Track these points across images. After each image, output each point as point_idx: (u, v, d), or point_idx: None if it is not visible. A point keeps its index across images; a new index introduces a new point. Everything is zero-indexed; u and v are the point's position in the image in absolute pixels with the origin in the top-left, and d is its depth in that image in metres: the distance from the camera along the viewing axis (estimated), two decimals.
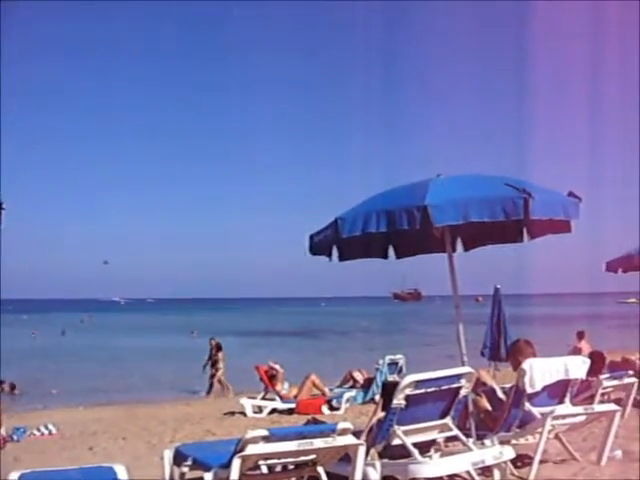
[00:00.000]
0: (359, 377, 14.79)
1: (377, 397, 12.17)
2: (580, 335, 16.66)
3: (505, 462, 5.71)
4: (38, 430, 11.67)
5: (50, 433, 11.68)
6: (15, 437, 11.01)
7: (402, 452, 5.45)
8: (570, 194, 6.19)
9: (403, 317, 71.86)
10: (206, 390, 19.84)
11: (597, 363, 9.63)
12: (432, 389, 5.48)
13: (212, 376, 19.74)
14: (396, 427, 5.41)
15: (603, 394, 9.29)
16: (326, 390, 13.93)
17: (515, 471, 6.04)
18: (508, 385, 6.67)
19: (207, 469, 5.07)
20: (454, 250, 7.00)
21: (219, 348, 20.05)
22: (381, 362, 14.72)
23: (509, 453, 5.66)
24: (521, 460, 6.22)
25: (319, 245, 6.59)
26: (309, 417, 8.40)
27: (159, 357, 31.32)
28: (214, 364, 19.82)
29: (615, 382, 9.39)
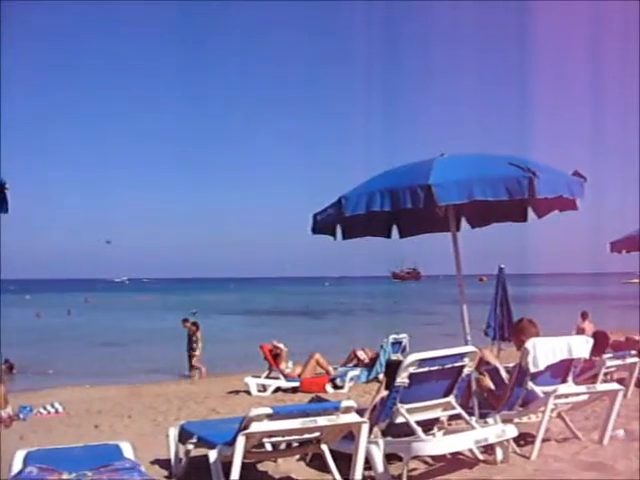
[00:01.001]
0: (363, 356, 14.84)
1: (381, 376, 12.22)
2: (584, 315, 16.73)
3: (507, 440, 5.75)
4: (44, 409, 11.71)
5: (56, 412, 11.71)
6: (21, 416, 11.04)
7: (405, 430, 5.48)
8: (575, 173, 6.17)
9: (406, 296, 71.94)
10: (189, 372, 18.86)
11: (600, 343, 9.66)
12: (435, 368, 5.51)
13: (192, 357, 18.86)
14: (399, 405, 5.45)
15: (606, 374, 9.33)
16: (330, 369, 13.98)
17: (517, 449, 6.08)
18: (511, 364, 6.70)
19: (212, 446, 5.12)
20: (458, 229, 7.01)
21: (197, 327, 19.12)
22: (385, 341, 14.77)
23: (512, 431, 5.69)
24: (524, 438, 6.27)
25: (322, 224, 6.59)
26: (313, 395, 8.43)
27: (161, 337, 31.48)
28: (193, 344, 18.86)
29: (618, 362, 9.44)
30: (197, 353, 18.77)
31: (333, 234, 6.73)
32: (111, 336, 31.08)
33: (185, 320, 19.68)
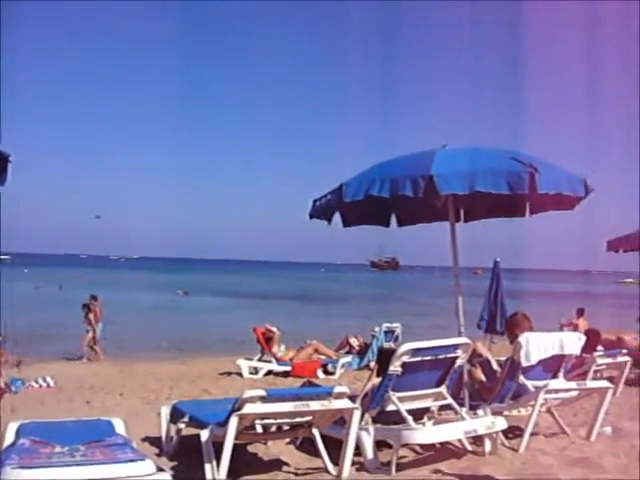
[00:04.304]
0: (355, 343, 14.92)
1: (372, 363, 12.28)
2: (580, 312, 16.80)
3: (497, 432, 5.79)
4: (36, 382, 11.75)
5: (48, 386, 11.75)
6: (13, 388, 11.09)
7: (396, 418, 5.53)
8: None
9: (400, 286, 72.03)
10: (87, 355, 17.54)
11: (592, 340, 9.70)
12: (429, 358, 5.55)
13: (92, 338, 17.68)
14: (391, 393, 5.49)
15: (596, 371, 9.38)
16: (331, 352, 14.10)
17: (506, 442, 6.13)
18: (503, 357, 6.74)
19: (204, 426, 5.16)
20: (457, 221, 7.02)
21: (89, 308, 17.91)
22: (377, 329, 14.83)
23: (501, 424, 5.73)
24: (512, 431, 6.31)
25: (321, 210, 6.60)
26: (305, 380, 8.48)
27: (150, 315, 31.59)
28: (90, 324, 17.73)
29: (609, 360, 9.48)
30: (90, 335, 17.62)
31: (330, 220, 6.73)
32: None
33: (92, 298, 18.38)
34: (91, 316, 17.79)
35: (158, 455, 5.85)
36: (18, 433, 4.69)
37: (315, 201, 6.63)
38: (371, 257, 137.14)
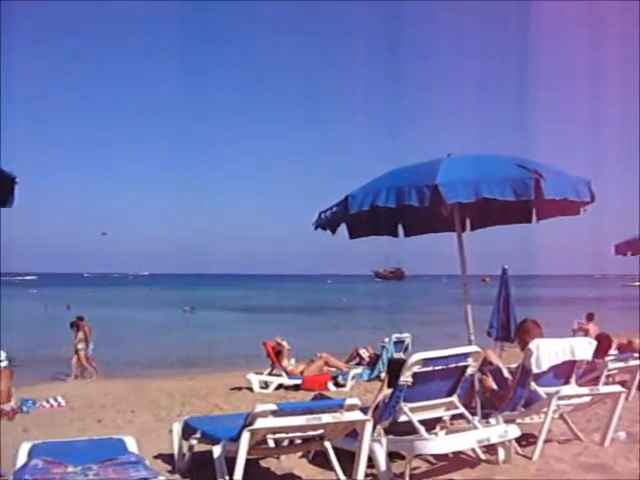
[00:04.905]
0: (365, 354, 14.88)
1: (383, 374, 12.24)
2: (590, 317, 16.75)
3: (510, 441, 5.76)
4: (47, 402, 11.77)
5: (59, 405, 11.76)
6: (24, 408, 11.10)
7: (408, 429, 5.50)
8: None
9: (409, 295, 71.93)
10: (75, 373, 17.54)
11: (603, 345, 9.69)
12: (439, 367, 5.53)
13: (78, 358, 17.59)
14: (403, 404, 5.47)
15: (608, 376, 9.35)
16: (341, 364, 14.07)
17: (519, 450, 6.10)
18: (514, 365, 6.71)
19: (216, 442, 5.15)
20: (463, 229, 7.02)
21: (78, 327, 17.90)
22: (387, 340, 14.79)
23: (514, 432, 5.71)
24: (526, 439, 6.29)
25: (327, 222, 6.59)
26: (316, 393, 8.46)
27: (158, 331, 31.60)
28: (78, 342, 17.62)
29: (620, 364, 9.45)
30: (82, 353, 17.54)
31: (334, 230, 6.73)
32: (110, 331, 31.03)
33: (79, 318, 18.38)
34: (81, 334, 17.74)
35: (171, 472, 5.85)
36: (31, 453, 4.68)
37: (321, 213, 6.63)
38: (375, 267, 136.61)
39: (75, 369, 17.57)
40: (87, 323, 18.34)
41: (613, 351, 12.14)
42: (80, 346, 17.64)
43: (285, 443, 5.75)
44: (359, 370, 13.98)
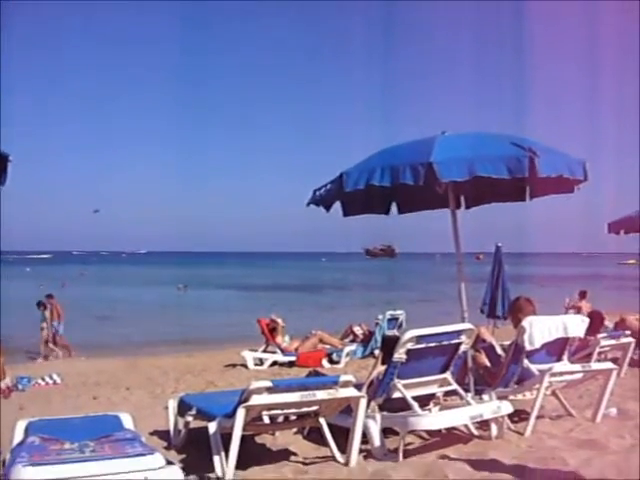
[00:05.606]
0: (359, 332, 14.94)
1: (376, 351, 12.30)
2: (582, 294, 16.85)
3: (502, 417, 5.81)
4: (42, 380, 11.81)
5: (54, 383, 11.81)
6: (20, 386, 11.14)
7: (402, 405, 5.55)
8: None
9: (402, 273, 72.05)
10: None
11: (596, 322, 9.74)
12: (433, 344, 5.57)
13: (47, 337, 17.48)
14: (396, 381, 5.51)
15: (600, 353, 9.41)
16: (335, 341, 14.14)
17: (512, 426, 6.15)
18: (507, 342, 6.76)
19: (211, 419, 5.18)
20: (458, 207, 7.03)
21: (44, 306, 17.64)
22: (381, 317, 14.85)
23: (507, 408, 5.76)
24: (518, 415, 6.34)
25: (322, 199, 6.59)
26: (310, 370, 8.51)
27: (153, 309, 31.65)
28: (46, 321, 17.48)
29: (612, 341, 9.52)
30: (44, 332, 17.41)
31: (328, 208, 6.72)
32: (103, 309, 31.07)
33: (48, 297, 18.16)
34: (47, 314, 17.56)
35: (167, 448, 5.88)
36: (27, 431, 4.71)
37: (315, 191, 6.62)
38: (366, 245, 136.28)
39: (43, 349, 17.40)
40: (57, 302, 18.12)
41: (609, 326, 12.24)
42: (44, 325, 17.45)
43: (280, 419, 5.79)
44: (353, 347, 14.05)
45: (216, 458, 4.95)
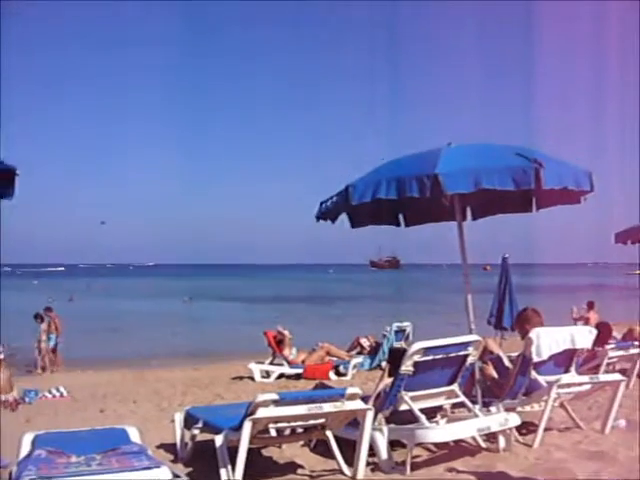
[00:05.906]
0: (366, 344, 14.91)
1: (384, 363, 12.27)
2: (590, 305, 16.78)
3: (510, 429, 5.78)
4: (49, 392, 11.82)
5: (61, 395, 11.81)
6: (27, 399, 11.15)
7: (409, 417, 5.53)
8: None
9: (408, 285, 71.96)
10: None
11: (604, 334, 9.69)
12: (440, 356, 5.55)
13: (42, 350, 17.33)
14: (404, 393, 5.50)
15: (608, 364, 9.37)
16: (343, 353, 14.11)
17: (520, 438, 6.12)
18: (514, 353, 6.73)
19: (218, 431, 5.17)
20: (464, 219, 7.02)
21: (41, 318, 17.59)
22: (388, 329, 14.82)
23: (514, 420, 5.73)
24: (526, 427, 6.32)
25: (328, 212, 6.58)
26: (317, 382, 8.49)
27: (159, 322, 31.65)
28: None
29: (621, 352, 9.47)
30: (43, 345, 17.29)
31: (334, 220, 6.72)
32: (110, 322, 31.08)
33: (47, 309, 18.20)
34: (44, 326, 17.48)
35: (173, 461, 5.87)
36: (34, 444, 4.70)
37: (322, 203, 6.63)
38: (371, 257, 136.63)
39: (39, 362, 17.29)
40: (56, 315, 18.11)
41: (618, 336, 12.18)
42: (43, 337, 17.38)
43: (287, 432, 5.77)
44: (360, 359, 14.03)
45: (223, 471, 4.94)
